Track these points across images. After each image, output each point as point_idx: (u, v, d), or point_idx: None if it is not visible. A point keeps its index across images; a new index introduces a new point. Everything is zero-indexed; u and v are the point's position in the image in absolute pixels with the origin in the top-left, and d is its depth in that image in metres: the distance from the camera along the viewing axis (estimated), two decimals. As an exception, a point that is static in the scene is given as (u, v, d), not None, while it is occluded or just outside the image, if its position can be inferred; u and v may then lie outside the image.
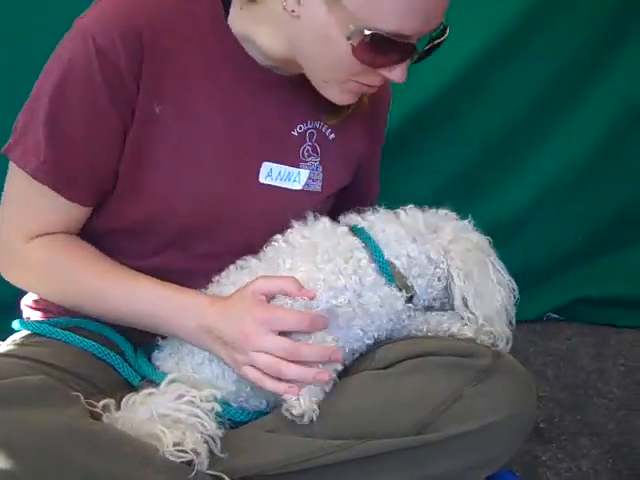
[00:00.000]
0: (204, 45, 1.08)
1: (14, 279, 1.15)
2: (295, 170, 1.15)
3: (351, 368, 1.09)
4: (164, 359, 1.12)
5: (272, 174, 1.13)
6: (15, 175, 1.08)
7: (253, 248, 1.13)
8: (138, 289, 1.09)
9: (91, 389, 1.08)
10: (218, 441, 1.00)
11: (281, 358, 1.00)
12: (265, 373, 1.01)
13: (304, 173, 1.16)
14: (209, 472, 0.98)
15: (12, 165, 1.08)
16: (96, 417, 0.99)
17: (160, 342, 1.14)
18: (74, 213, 1.11)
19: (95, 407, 1.00)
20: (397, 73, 1.03)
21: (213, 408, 1.02)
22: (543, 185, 1.90)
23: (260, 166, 1.13)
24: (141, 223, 1.12)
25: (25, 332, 1.15)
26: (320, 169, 1.18)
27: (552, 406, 1.63)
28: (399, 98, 1.73)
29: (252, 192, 1.13)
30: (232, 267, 1.13)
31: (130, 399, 1.02)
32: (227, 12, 1.10)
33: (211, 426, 1.00)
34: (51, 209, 1.09)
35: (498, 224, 1.89)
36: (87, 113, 1.04)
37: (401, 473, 1.02)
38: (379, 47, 0.98)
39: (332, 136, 1.19)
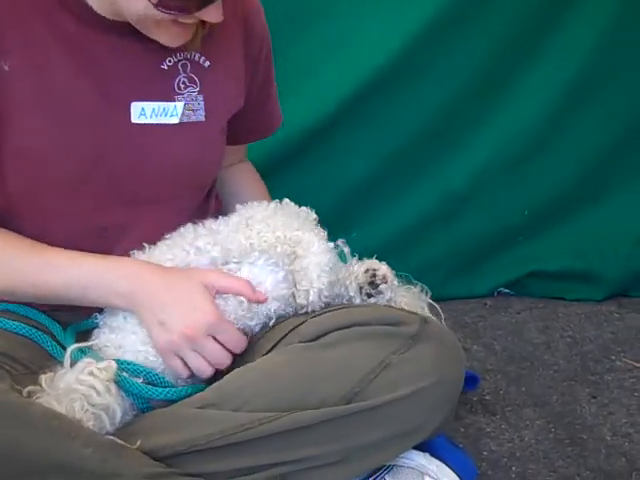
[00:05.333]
0: None
1: None
2: (171, 104, 1.12)
3: (278, 343, 1.09)
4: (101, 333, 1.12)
5: (145, 113, 1.11)
6: None
7: (145, 198, 1.13)
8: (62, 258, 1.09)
9: (23, 371, 1.07)
10: (118, 410, 1.01)
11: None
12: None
13: (180, 105, 1.13)
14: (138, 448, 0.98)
15: None
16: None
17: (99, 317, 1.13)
18: None
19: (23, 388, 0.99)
20: (210, 15, 1.01)
21: (112, 378, 1.02)
22: (488, 160, 1.90)
23: (129, 107, 1.10)
24: (24, 192, 1.09)
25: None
26: (200, 98, 1.14)
27: (499, 378, 1.63)
28: (335, 81, 1.77)
29: (126, 134, 1.10)
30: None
31: (46, 379, 1.01)
32: None
33: (105, 398, 1.00)
34: None
35: (444, 200, 1.92)
36: None
37: (331, 444, 1.01)
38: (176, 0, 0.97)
39: (207, 63, 1.15)
